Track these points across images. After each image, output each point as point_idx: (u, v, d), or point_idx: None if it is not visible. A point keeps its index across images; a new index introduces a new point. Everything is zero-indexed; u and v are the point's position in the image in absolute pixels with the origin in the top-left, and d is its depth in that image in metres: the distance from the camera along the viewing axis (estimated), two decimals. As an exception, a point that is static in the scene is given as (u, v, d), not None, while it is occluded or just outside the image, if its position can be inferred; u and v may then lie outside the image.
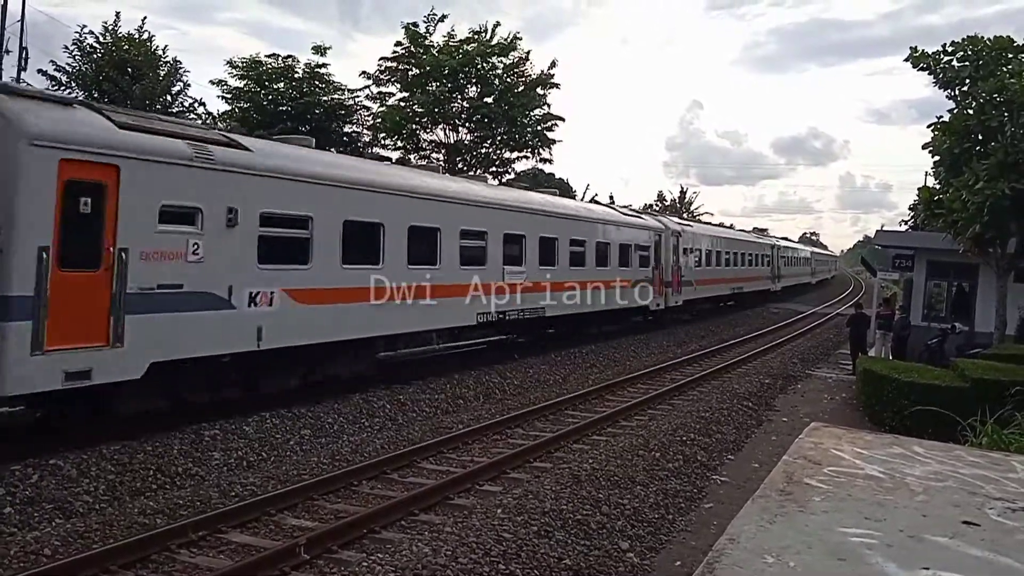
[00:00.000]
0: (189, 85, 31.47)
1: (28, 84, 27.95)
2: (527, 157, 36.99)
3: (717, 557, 3.02)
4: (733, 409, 15.42)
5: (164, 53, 30.45)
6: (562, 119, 35.44)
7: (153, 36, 30.25)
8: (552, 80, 34.48)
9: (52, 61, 28.74)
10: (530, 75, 34.19)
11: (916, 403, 12.58)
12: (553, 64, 34.70)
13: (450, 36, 32.72)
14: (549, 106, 35.02)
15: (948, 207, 17.10)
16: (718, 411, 14.99)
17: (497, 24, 34.08)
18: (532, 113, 34.44)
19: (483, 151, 35.21)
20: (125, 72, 28.20)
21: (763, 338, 29.81)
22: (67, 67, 28.48)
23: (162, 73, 30.11)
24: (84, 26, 29.41)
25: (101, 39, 28.87)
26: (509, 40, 32.91)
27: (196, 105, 31.80)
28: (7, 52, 27.12)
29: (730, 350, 25.62)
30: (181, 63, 31.01)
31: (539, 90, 34.48)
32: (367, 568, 7.06)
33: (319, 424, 12.63)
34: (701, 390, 17.74)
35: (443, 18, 32.77)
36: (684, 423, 13.66)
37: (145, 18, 31.00)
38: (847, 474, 4.29)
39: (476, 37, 32.86)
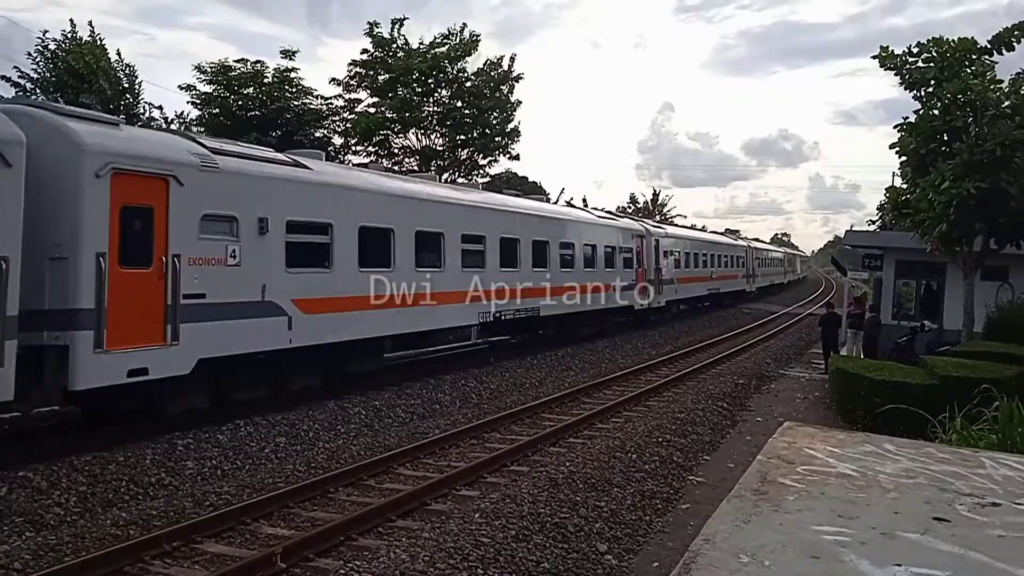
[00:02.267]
0: (140, 93, 31.16)
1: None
2: (496, 160, 37.06)
3: (693, 558, 3.04)
4: (708, 410, 15.53)
5: (120, 59, 30.19)
6: (519, 102, 35.51)
7: (102, 38, 29.93)
8: (515, 74, 34.59)
9: (16, 68, 28.33)
10: (500, 74, 34.25)
11: (887, 401, 12.72)
12: (512, 59, 34.84)
13: (407, 43, 32.67)
14: (509, 97, 35.06)
15: (915, 207, 17.34)
16: (693, 412, 15.08)
17: (464, 26, 34.00)
18: (499, 112, 34.47)
19: (456, 155, 35.18)
20: (83, 80, 27.91)
21: (737, 339, 30.05)
22: (30, 74, 28.15)
23: (119, 79, 29.81)
24: (45, 31, 29.03)
25: (60, 46, 28.55)
26: (469, 39, 32.86)
27: (154, 111, 31.53)
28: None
29: (704, 351, 25.80)
30: (134, 66, 30.78)
31: (503, 87, 34.55)
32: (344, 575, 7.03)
33: (294, 431, 12.55)
34: (676, 391, 17.85)
35: (403, 21, 32.55)
36: (660, 424, 13.73)
37: (72, 20, 30.39)
38: (820, 473, 4.34)
39: (446, 40, 32.83)
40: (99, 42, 29.41)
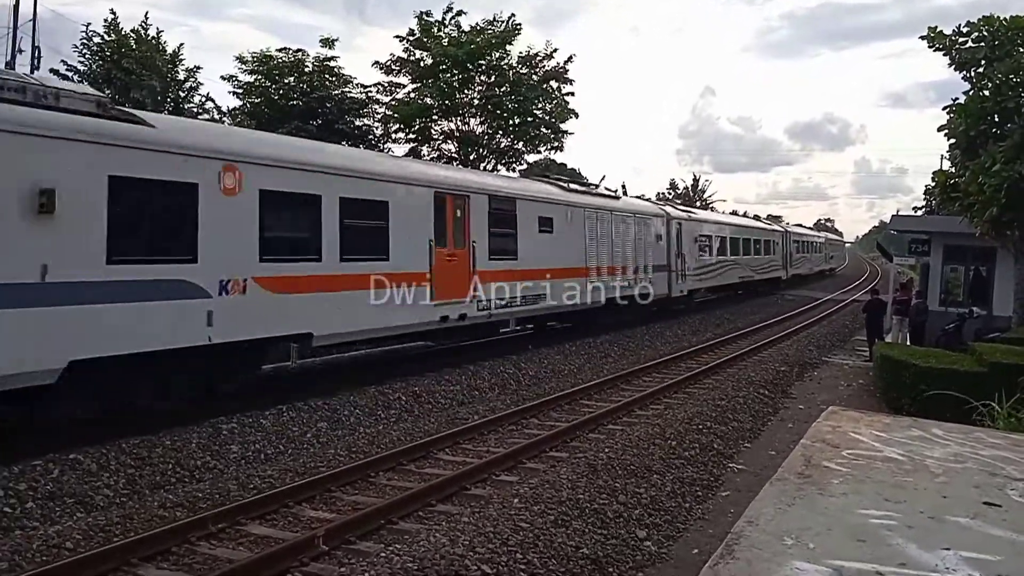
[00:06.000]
0: (196, 86, 31.56)
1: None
2: (539, 151, 36.87)
3: (736, 539, 3.01)
4: (749, 397, 15.36)
5: (174, 50, 30.59)
6: (576, 114, 35.14)
7: (161, 31, 30.34)
8: (567, 76, 34.18)
9: (63, 61, 28.97)
10: (544, 67, 33.91)
11: (934, 388, 12.49)
12: (569, 59, 34.35)
13: (458, 27, 32.55)
14: (567, 102, 34.70)
15: (964, 190, 16.94)
16: (734, 399, 14.93)
17: (512, 16, 33.42)
18: (546, 108, 34.13)
19: (496, 142, 35.06)
20: (130, 73, 28.32)
21: (779, 325, 29.66)
22: (77, 66, 28.66)
23: (172, 72, 30.25)
24: (88, 24, 29.59)
25: (106, 37, 29.00)
26: (511, 26, 32.59)
27: (205, 101, 31.96)
28: (20, 51, 27.37)
29: (745, 338, 25.53)
30: (184, 58, 31.17)
31: (553, 83, 34.23)
32: (385, 559, 7.07)
33: (335, 417, 12.68)
34: (716, 378, 17.68)
35: (460, 13, 32.46)
36: (700, 411, 13.62)
37: (147, 13, 31.13)
38: (866, 456, 4.27)
39: (489, 27, 32.65)
40: (147, 35, 29.79)
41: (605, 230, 23.68)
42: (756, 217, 60.88)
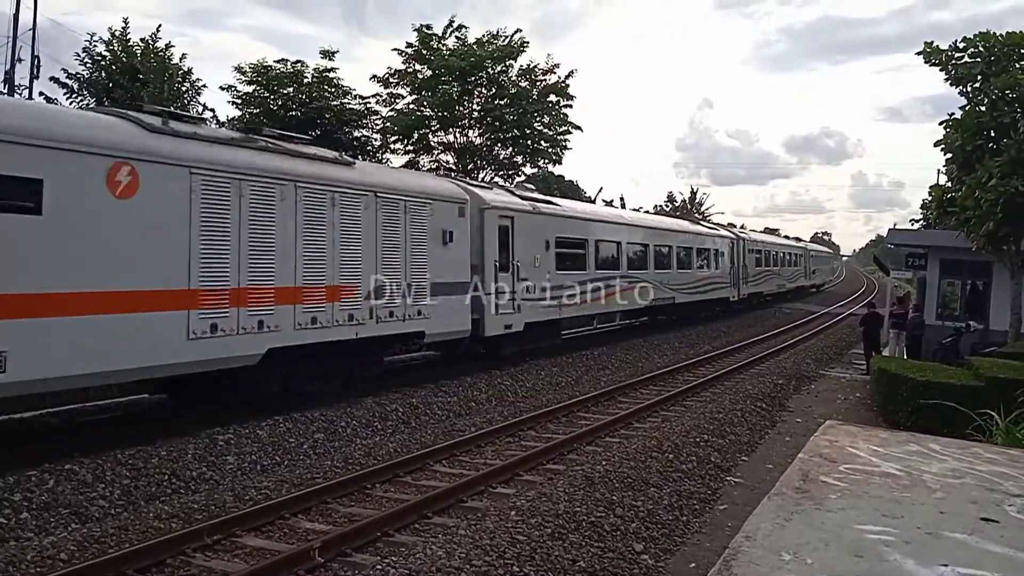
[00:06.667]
0: (200, 92, 31.58)
1: (42, 93, 28.25)
2: (539, 164, 36.88)
3: (734, 555, 3.00)
4: (746, 410, 15.35)
5: (179, 60, 30.64)
6: (580, 128, 35.18)
7: (171, 44, 30.40)
8: (567, 91, 34.23)
9: (64, 69, 28.86)
10: (545, 81, 33.96)
11: (931, 402, 12.50)
12: (570, 74, 34.42)
13: (461, 40, 32.62)
14: (566, 116, 34.75)
15: (961, 205, 17.00)
16: (731, 412, 14.92)
17: (518, 31, 33.39)
18: (544, 120, 34.16)
19: (495, 154, 35.10)
20: (136, 79, 28.29)
21: (776, 339, 29.68)
22: (78, 75, 28.62)
23: (178, 81, 30.23)
24: (93, 34, 29.53)
25: (109, 46, 29.00)
26: (518, 44, 32.74)
27: (204, 111, 31.94)
28: (19, 60, 27.39)
29: (743, 351, 25.54)
30: (191, 69, 31.17)
31: (553, 97, 34.28)
32: (381, 571, 7.05)
33: (332, 428, 12.66)
34: (714, 391, 17.68)
35: (461, 27, 32.56)
36: (697, 424, 13.61)
37: (160, 26, 31.24)
38: (863, 471, 4.27)
39: (493, 41, 32.75)
40: (155, 47, 29.81)
41: (281, 218, 12.84)
42: (699, 220, 51.23)
